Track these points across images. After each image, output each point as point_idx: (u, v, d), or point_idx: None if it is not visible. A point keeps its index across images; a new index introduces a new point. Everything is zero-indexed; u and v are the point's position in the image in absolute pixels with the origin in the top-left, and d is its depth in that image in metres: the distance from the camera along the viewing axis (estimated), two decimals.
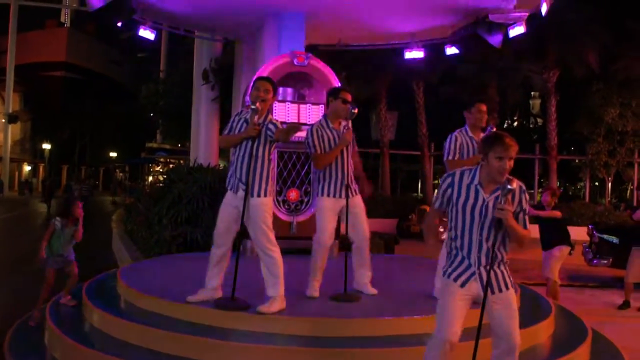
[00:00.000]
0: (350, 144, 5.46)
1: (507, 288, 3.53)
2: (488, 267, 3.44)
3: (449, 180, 3.56)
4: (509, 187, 3.34)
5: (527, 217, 3.53)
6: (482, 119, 5.59)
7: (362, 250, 5.56)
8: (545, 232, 7.88)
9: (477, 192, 3.46)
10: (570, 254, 7.94)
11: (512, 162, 3.41)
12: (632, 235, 8.55)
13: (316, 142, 5.38)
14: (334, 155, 5.36)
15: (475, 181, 3.48)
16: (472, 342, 3.44)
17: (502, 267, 3.54)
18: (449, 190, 3.54)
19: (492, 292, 3.47)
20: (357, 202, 5.53)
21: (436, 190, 3.71)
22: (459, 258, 3.53)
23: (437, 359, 3.46)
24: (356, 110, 5.30)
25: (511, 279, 3.59)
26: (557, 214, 7.73)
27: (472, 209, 3.45)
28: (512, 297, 3.55)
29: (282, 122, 7.25)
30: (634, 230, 8.54)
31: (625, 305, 8.41)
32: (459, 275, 3.51)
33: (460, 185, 3.50)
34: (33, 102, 47.16)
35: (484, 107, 5.66)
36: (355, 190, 5.53)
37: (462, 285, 3.49)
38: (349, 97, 5.42)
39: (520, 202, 3.49)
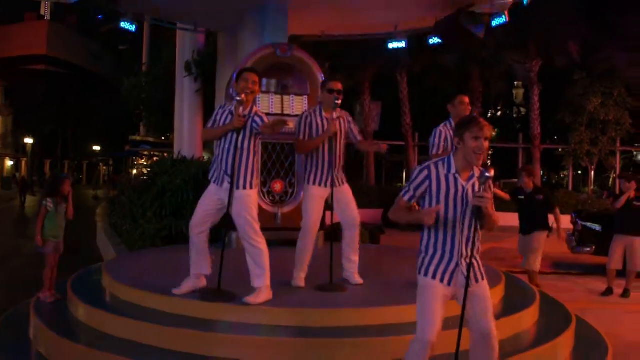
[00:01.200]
0: (340, 136, 5.48)
1: (482, 278, 3.54)
2: (468, 259, 3.42)
3: (425, 173, 3.48)
4: (487, 174, 3.33)
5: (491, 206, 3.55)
6: (465, 111, 5.66)
7: (352, 238, 5.58)
8: (525, 215, 7.94)
9: (455, 180, 3.44)
10: (548, 236, 8.02)
11: (487, 144, 3.41)
12: (615, 222, 8.64)
13: (301, 129, 5.45)
14: (316, 143, 5.40)
15: (453, 170, 3.46)
16: (454, 331, 3.43)
17: (478, 258, 3.54)
18: (426, 183, 3.46)
19: (476, 281, 3.48)
20: (345, 191, 5.56)
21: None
22: (438, 254, 3.47)
23: (420, 358, 3.44)
24: (339, 101, 5.37)
25: (483, 270, 3.58)
26: (505, 196, 7.62)
27: (454, 199, 3.43)
28: (486, 288, 3.56)
29: (267, 114, 7.29)
30: (616, 218, 8.62)
31: (608, 292, 8.52)
32: (443, 273, 3.45)
33: (438, 176, 3.46)
34: (14, 96, 46.63)
35: (466, 99, 5.76)
36: (342, 180, 5.55)
37: (449, 282, 3.45)
38: (335, 87, 5.45)
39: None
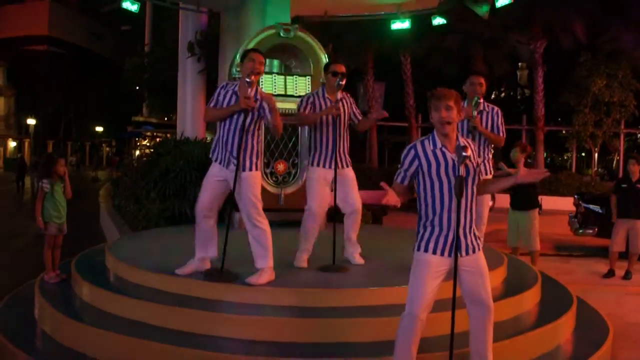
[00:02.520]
0: (343, 118, 5.48)
1: (479, 249, 3.57)
2: (466, 229, 3.49)
3: (412, 152, 3.53)
4: (463, 154, 3.35)
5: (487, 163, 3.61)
6: (474, 92, 5.61)
7: (351, 221, 5.59)
8: (517, 192, 7.94)
9: (443, 154, 3.47)
10: (540, 213, 8.03)
11: (452, 114, 3.44)
12: (617, 205, 8.62)
13: (302, 106, 5.53)
14: (313, 118, 5.42)
15: (438, 145, 3.49)
16: (448, 313, 3.44)
17: (473, 231, 3.57)
18: (416, 162, 3.50)
19: (470, 252, 3.51)
20: (348, 173, 5.55)
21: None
22: (437, 229, 3.49)
23: (411, 335, 3.48)
24: (343, 82, 5.39)
25: (480, 241, 3.61)
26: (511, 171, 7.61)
27: (446, 172, 3.45)
28: (482, 260, 3.58)
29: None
30: (618, 202, 8.60)
31: (610, 273, 8.54)
32: (443, 246, 3.47)
33: (426, 153, 3.49)
34: (16, 77, 46.51)
35: (476, 80, 5.65)
36: (347, 163, 5.54)
37: (449, 254, 3.45)
38: (338, 69, 5.45)
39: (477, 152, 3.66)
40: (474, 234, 3.57)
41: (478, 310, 3.55)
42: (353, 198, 5.56)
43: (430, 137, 3.54)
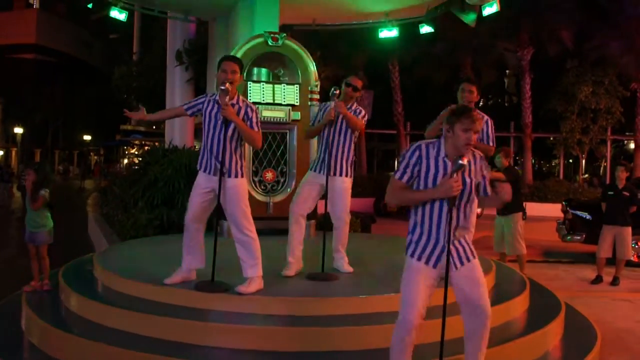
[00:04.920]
0: (339, 126, 5.49)
1: (473, 257, 3.56)
2: (456, 241, 3.46)
3: (417, 153, 3.47)
4: (460, 162, 3.32)
5: (487, 184, 3.55)
6: (465, 99, 5.60)
7: (339, 231, 5.59)
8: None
9: (444, 164, 3.44)
10: (524, 219, 8.06)
11: (476, 136, 3.42)
12: (604, 212, 8.69)
13: (316, 116, 5.75)
14: (318, 128, 5.56)
15: (442, 154, 3.45)
16: (439, 320, 3.45)
17: (467, 239, 3.57)
18: (419, 164, 3.46)
19: (462, 264, 3.49)
20: (339, 183, 5.53)
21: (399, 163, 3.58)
22: (425, 237, 3.47)
23: (404, 341, 3.47)
24: (338, 92, 5.42)
25: (473, 250, 3.59)
26: (499, 175, 7.65)
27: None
28: (477, 267, 3.56)
29: (258, 103, 7.29)
30: (605, 208, 8.68)
31: (598, 280, 8.59)
32: (430, 255, 3.46)
33: (429, 158, 3.46)
34: (3, 86, 46.21)
35: (468, 87, 5.59)
36: (340, 171, 5.52)
37: (434, 265, 3.45)
38: (352, 81, 5.56)
39: (481, 170, 3.52)
40: (467, 243, 3.56)
41: (475, 318, 3.52)
42: (339, 207, 5.54)
43: (437, 144, 3.49)
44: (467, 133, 3.37)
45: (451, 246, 3.45)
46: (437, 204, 3.43)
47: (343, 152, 5.53)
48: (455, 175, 3.35)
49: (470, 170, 3.47)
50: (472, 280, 3.52)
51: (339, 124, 5.48)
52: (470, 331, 3.56)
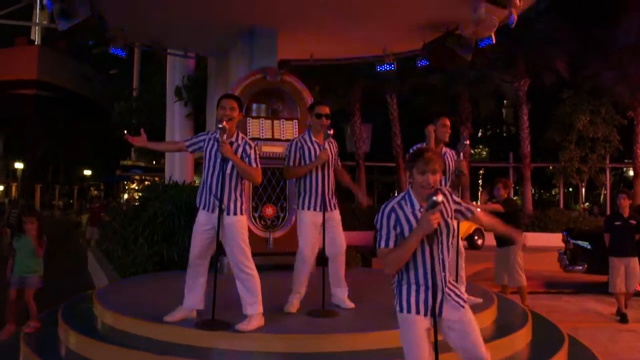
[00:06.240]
0: (331, 160, 5.49)
1: (464, 303, 3.44)
2: (445, 288, 3.36)
3: (393, 215, 3.35)
4: (434, 198, 3.17)
5: (464, 206, 3.51)
6: (444, 135, 5.71)
7: (338, 264, 5.57)
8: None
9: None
10: (524, 250, 8.01)
11: (437, 177, 3.33)
12: (610, 244, 8.34)
13: (291, 155, 5.47)
14: (304, 170, 5.42)
15: (417, 206, 3.34)
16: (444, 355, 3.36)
17: (456, 285, 3.49)
18: (399, 225, 3.33)
19: (449, 311, 3.38)
20: (335, 216, 5.55)
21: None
22: (414, 289, 3.36)
23: None
24: (331, 132, 5.43)
25: (462, 295, 3.48)
26: (498, 207, 7.64)
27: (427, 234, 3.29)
28: (468, 315, 3.44)
29: (257, 139, 7.31)
30: (612, 240, 8.30)
31: (624, 319, 8.08)
32: (424, 304, 3.33)
33: (407, 217, 3.34)
34: (4, 121, 46.48)
35: (447, 122, 5.77)
36: (334, 205, 5.55)
37: (425, 314, 3.33)
38: (322, 111, 5.46)
39: (454, 201, 3.46)
40: (456, 289, 3.46)
41: None
42: (340, 240, 5.56)
43: (407, 197, 3.40)
44: (424, 175, 3.31)
45: (443, 291, 3.36)
46: (419, 250, 3.32)
47: (332, 186, 5.57)
48: (429, 212, 3.20)
49: (444, 207, 3.37)
50: (465, 327, 3.40)
51: (331, 160, 5.49)
52: None
